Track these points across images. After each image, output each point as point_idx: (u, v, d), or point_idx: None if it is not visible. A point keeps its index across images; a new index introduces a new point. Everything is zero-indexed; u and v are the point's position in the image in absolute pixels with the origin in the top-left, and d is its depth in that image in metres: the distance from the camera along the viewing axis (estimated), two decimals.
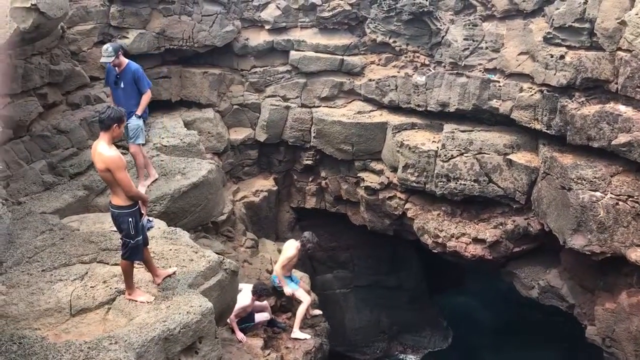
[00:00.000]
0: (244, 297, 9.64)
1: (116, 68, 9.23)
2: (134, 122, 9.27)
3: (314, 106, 13.34)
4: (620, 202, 9.14)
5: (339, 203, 14.12)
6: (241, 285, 9.72)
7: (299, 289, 10.78)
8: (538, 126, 10.54)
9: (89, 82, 11.41)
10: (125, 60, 9.35)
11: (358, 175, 13.19)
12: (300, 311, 10.58)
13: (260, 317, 10.11)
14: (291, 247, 10.92)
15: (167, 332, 6.40)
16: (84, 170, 10.15)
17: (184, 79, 13.28)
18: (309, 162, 13.85)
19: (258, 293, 9.79)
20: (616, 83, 9.37)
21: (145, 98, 9.41)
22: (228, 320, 9.46)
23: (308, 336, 10.48)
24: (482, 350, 15.44)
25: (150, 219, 8.23)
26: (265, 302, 10.26)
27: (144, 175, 9.63)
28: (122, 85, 9.22)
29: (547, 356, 14.98)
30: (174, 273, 7.34)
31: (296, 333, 10.44)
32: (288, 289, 10.72)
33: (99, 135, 6.36)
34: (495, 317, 16.50)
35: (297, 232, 13.71)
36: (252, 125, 13.79)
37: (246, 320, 9.87)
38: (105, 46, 9.11)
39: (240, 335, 9.58)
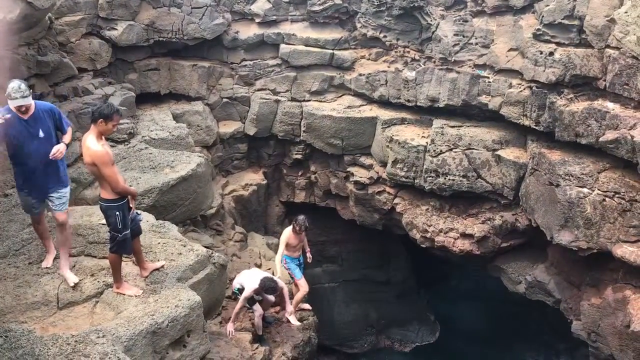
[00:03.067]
0: (249, 286, 9.60)
1: (23, 114, 6.56)
2: (66, 189, 7.02)
3: (304, 100, 13.32)
4: (607, 199, 9.22)
5: (329, 197, 14.13)
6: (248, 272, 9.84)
7: (302, 279, 10.76)
8: (527, 122, 10.59)
9: (77, 74, 11.29)
10: (32, 101, 6.70)
11: (347, 169, 13.20)
12: (298, 297, 10.66)
13: (258, 307, 10.05)
14: (286, 230, 10.89)
15: (155, 326, 6.39)
16: (71, 163, 10.05)
17: (173, 72, 13.19)
18: (299, 157, 13.84)
19: (265, 290, 9.58)
20: (604, 80, 9.44)
21: (69, 138, 7.04)
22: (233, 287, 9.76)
23: (299, 323, 10.53)
24: (469, 345, 15.55)
25: (139, 212, 8.17)
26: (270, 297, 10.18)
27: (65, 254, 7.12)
28: (40, 134, 6.63)
29: (535, 349, 15.14)
30: (162, 266, 7.33)
31: (291, 317, 10.53)
32: (294, 271, 10.70)
33: (89, 128, 6.31)
34: (482, 311, 16.62)
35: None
36: (242, 119, 13.74)
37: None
38: (15, 84, 6.45)
39: (231, 327, 9.56)
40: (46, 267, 7.21)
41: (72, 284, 6.85)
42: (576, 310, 10.52)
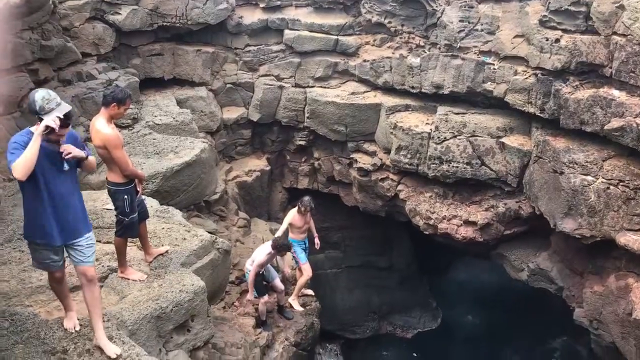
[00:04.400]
0: (260, 253, 9.67)
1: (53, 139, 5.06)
2: (92, 234, 5.61)
3: (307, 86, 13.27)
4: (612, 187, 9.20)
5: (332, 184, 14.13)
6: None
7: (307, 263, 10.78)
8: (532, 109, 10.54)
9: (81, 59, 11.28)
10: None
11: (351, 156, 13.18)
12: (301, 282, 10.70)
13: (278, 282, 10.10)
14: (291, 211, 10.90)
15: (159, 311, 6.43)
16: None
17: (177, 57, 13.15)
18: (302, 143, 13.82)
19: (278, 247, 9.60)
20: (610, 67, 9.36)
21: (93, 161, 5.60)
22: (247, 269, 9.71)
23: (302, 309, 10.60)
24: (471, 331, 15.63)
25: (144, 197, 8.20)
26: (281, 285, 10.22)
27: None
28: (65, 167, 5.21)
29: (535, 336, 15.20)
30: (167, 252, 7.36)
31: (294, 302, 10.60)
32: (299, 255, 10.71)
33: (100, 111, 6.29)
34: (484, 298, 16.69)
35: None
36: (246, 105, 13.71)
37: (264, 279, 9.88)
38: (40, 93, 4.94)
39: (251, 296, 9.62)
40: (74, 330, 5.78)
41: (114, 356, 5.53)
42: (579, 297, 10.55)
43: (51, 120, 4.79)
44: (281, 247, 9.62)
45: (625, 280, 9.36)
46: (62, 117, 4.88)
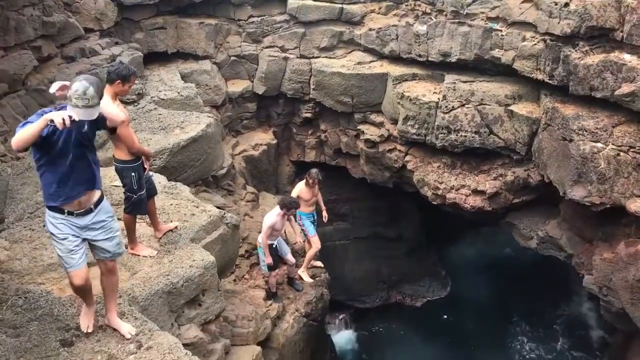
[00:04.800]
0: (270, 215, 9.62)
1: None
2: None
3: (313, 57, 13.13)
4: (622, 153, 9.09)
5: (339, 156, 14.09)
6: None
7: (316, 236, 10.80)
8: (540, 76, 10.38)
9: (84, 34, 11.19)
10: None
11: (358, 127, 13.10)
12: (310, 254, 10.73)
13: (290, 256, 10.13)
14: (299, 184, 10.88)
15: (170, 286, 6.48)
16: None
17: (180, 30, 13.00)
18: (308, 115, 13.73)
19: (287, 206, 9.48)
20: (621, 31, 9.16)
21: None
22: (259, 243, 9.64)
23: (311, 280, 10.66)
24: (480, 299, 15.75)
25: (151, 173, 8.20)
26: (293, 258, 10.25)
27: None
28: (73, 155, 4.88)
29: (543, 304, 15.32)
30: (176, 227, 7.38)
31: (303, 274, 10.67)
32: (307, 227, 10.73)
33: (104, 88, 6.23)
34: (492, 267, 16.78)
35: None
36: (250, 77, 13.60)
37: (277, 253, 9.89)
38: (83, 85, 4.51)
39: (269, 259, 9.62)
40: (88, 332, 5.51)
41: (129, 336, 5.47)
42: (588, 265, 10.54)
43: (61, 117, 4.39)
44: (290, 204, 9.53)
45: (635, 246, 9.33)
46: (73, 119, 4.45)
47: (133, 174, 6.34)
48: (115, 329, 5.55)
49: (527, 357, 14.07)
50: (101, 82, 4.88)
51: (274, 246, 9.72)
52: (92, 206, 5.07)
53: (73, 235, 5.00)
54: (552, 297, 15.50)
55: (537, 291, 15.46)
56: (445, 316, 15.39)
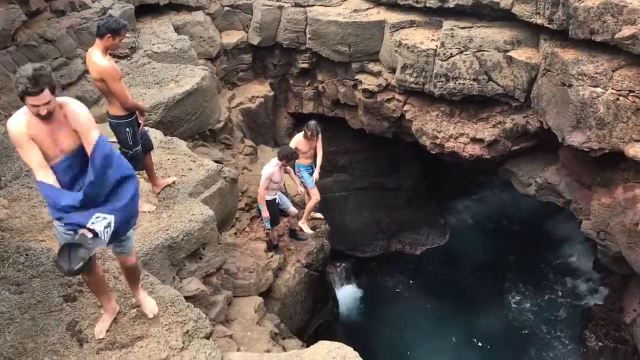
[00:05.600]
0: (268, 167, 9.59)
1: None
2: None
3: (308, 5, 12.85)
4: (621, 98, 8.99)
5: (337, 107, 13.97)
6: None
7: (315, 188, 10.81)
8: (540, 20, 10.16)
9: None
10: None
11: (355, 77, 12.93)
12: (310, 206, 10.76)
13: (293, 208, 10.17)
14: (297, 136, 10.83)
15: (170, 240, 6.54)
16: (75, 81, 9.94)
17: None
18: (305, 66, 13.54)
19: (287, 156, 9.40)
20: None
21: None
22: (258, 199, 9.61)
23: (311, 231, 10.75)
24: (478, 247, 15.95)
25: (147, 128, 8.15)
26: (295, 210, 10.31)
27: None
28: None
29: (539, 250, 15.52)
30: (174, 182, 7.38)
31: (304, 225, 10.75)
32: (306, 179, 10.72)
33: (94, 42, 6.12)
34: (492, 215, 16.93)
35: None
36: (245, 28, 13.35)
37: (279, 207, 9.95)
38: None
39: (265, 213, 9.69)
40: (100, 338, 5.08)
41: (151, 316, 5.23)
42: (586, 210, 10.60)
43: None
44: (289, 155, 9.47)
45: (632, 191, 9.36)
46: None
47: (128, 129, 6.29)
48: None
49: (521, 304, 14.28)
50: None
51: (276, 202, 9.75)
52: None
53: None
54: (549, 244, 15.69)
55: (533, 239, 15.66)
56: (445, 264, 15.60)
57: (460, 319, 13.67)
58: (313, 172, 10.94)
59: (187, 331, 5.23)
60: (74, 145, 4.28)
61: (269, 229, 9.91)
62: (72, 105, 4.30)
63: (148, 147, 6.84)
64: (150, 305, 5.27)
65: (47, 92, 4.03)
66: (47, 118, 4.13)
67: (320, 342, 5.65)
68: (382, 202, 15.85)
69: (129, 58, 10.79)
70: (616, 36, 8.83)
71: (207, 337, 5.31)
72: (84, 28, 10.52)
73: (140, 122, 6.55)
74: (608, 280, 13.20)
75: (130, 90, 9.60)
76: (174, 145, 8.37)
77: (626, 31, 8.68)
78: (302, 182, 10.78)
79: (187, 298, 6.12)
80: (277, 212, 9.82)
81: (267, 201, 9.58)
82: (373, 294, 15.13)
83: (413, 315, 14.09)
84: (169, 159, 7.93)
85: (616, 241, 9.87)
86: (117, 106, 6.24)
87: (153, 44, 11.30)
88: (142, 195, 7.14)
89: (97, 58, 5.97)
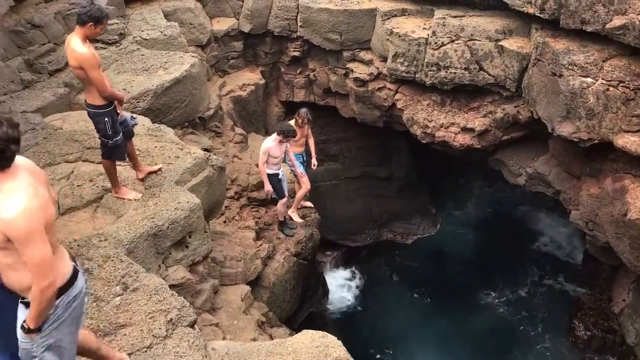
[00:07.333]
0: (267, 141, 9.75)
1: None
2: None
3: None
4: (611, 88, 8.98)
5: (328, 95, 13.90)
6: None
7: (305, 176, 10.82)
8: (531, 10, 10.11)
9: None
10: None
11: (347, 66, 12.86)
12: (300, 194, 10.79)
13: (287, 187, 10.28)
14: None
15: (155, 229, 6.51)
16: (63, 67, 9.85)
17: None
18: (296, 54, 13.46)
19: (284, 132, 9.58)
20: None
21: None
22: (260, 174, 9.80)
23: (301, 220, 10.76)
24: (470, 236, 15.99)
25: (135, 116, 8.08)
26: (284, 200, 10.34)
27: None
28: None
29: (528, 239, 15.59)
30: (160, 170, 7.34)
31: (293, 214, 10.76)
32: (297, 169, 10.74)
33: (75, 29, 6.05)
34: (483, 204, 16.96)
35: None
36: (236, 15, 13.24)
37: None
38: None
39: (268, 186, 9.80)
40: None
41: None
42: (575, 200, 10.63)
43: None
44: (287, 131, 9.59)
45: (621, 182, 9.38)
46: None
47: (106, 119, 6.22)
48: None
49: (509, 294, 14.32)
50: None
51: (279, 177, 9.81)
52: None
53: None
54: (536, 235, 15.77)
55: (523, 230, 15.73)
56: (436, 253, 15.63)
57: (449, 308, 13.72)
58: (304, 160, 10.92)
59: (171, 319, 5.22)
60: None
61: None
62: None
63: (128, 134, 6.75)
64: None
65: None
66: None
67: (304, 331, 5.66)
68: (374, 191, 15.83)
69: (117, 44, 10.68)
70: (607, 26, 8.80)
71: (191, 326, 5.31)
72: (72, 14, 10.38)
73: (118, 111, 6.45)
74: (596, 270, 13.24)
75: (118, 77, 9.59)
76: (161, 132, 8.32)
77: (617, 21, 8.65)
78: (292, 170, 10.77)
79: (172, 286, 6.11)
80: (280, 186, 9.87)
81: (268, 175, 9.69)
82: (364, 283, 15.15)
83: (403, 304, 14.14)
84: (156, 147, 7.88)
85: (604, 232, 9.90)
86: (96, 95, 6.16)
87: (142, 31, 11.19)
88: (129, 184, 7.11)
89: (76, 45, 5.90)
